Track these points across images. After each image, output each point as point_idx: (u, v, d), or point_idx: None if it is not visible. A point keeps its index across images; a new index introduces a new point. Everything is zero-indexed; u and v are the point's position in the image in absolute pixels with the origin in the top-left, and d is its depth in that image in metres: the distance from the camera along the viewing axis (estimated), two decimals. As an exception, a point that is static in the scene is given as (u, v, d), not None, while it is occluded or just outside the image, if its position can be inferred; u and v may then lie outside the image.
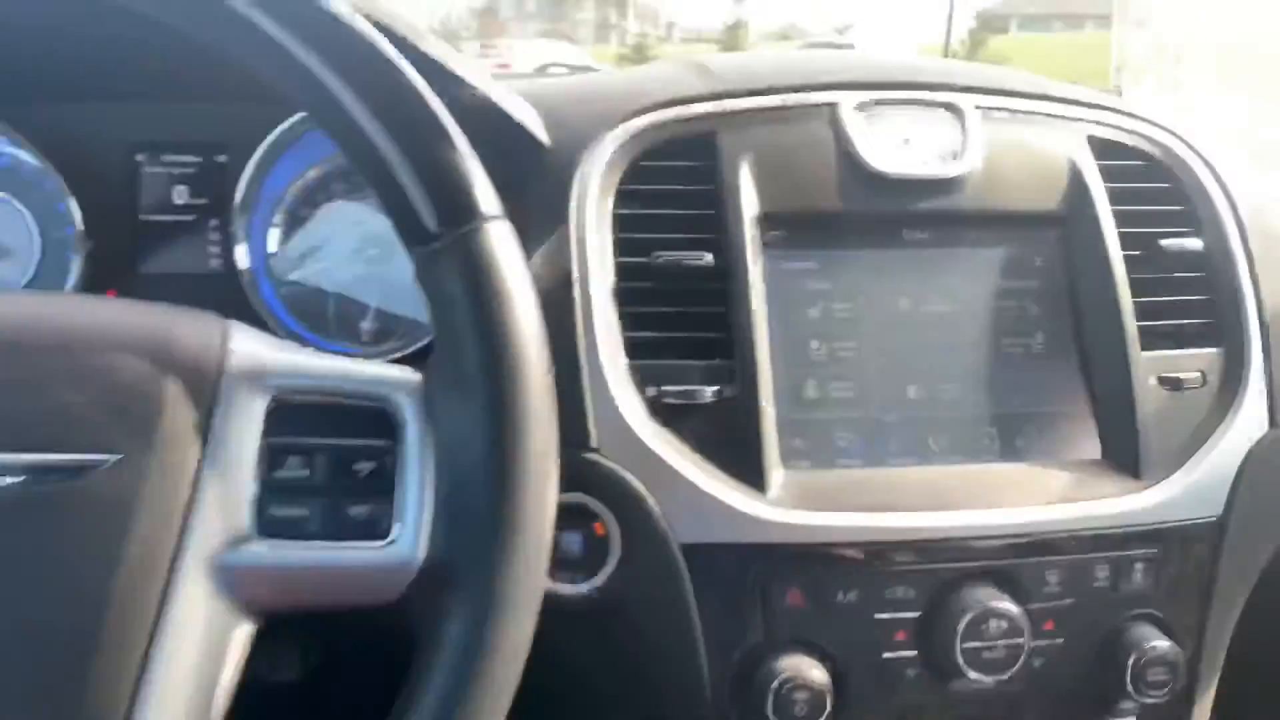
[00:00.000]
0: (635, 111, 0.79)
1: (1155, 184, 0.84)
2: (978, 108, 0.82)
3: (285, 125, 0.86)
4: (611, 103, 0.81)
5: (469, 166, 0.49)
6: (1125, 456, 0.76)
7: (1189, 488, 0.76)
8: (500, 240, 0.48)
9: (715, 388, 0.73)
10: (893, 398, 0.77)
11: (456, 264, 0.47)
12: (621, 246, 0.76)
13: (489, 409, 0.47)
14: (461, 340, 0.47)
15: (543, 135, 0.80)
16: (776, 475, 0.73)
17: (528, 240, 0.79)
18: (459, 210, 0.48)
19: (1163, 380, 0.79)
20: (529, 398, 0.48)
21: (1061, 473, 0.76)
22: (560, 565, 0.71)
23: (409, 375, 0.49)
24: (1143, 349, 0.78)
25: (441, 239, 0.48)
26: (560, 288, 0.74)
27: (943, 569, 0.73)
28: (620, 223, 0.77)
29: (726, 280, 0.75)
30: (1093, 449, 0.78)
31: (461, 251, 0.48)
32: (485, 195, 0.49)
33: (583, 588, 0.71)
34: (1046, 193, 0.81)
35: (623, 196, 0.78)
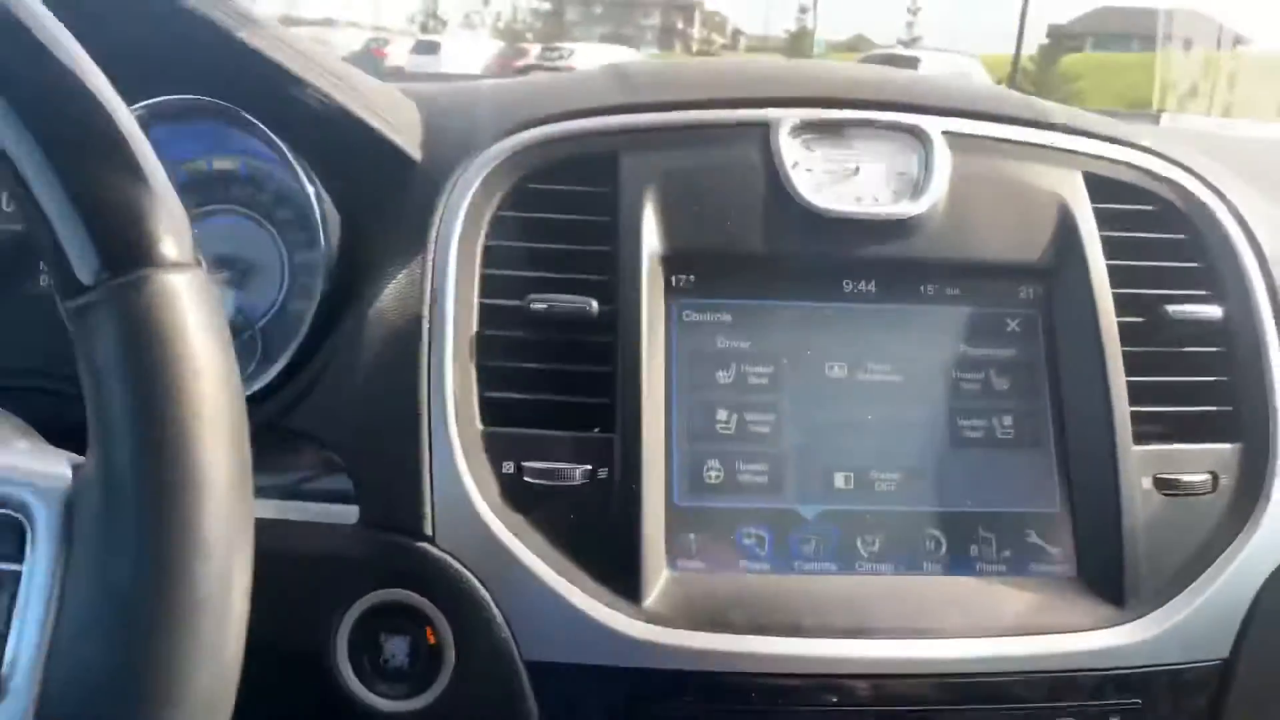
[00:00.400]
0: (522, 124, 0.66)
1: (1165, 234, 0.68)
2: (947, 133, 0.68)
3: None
4: (500, 112, 0.68)
5: (148, 198, 0.36)
6: (1106, 577, 0.61)
7: (1187, 622, 0.60)
8: (176, 294, 0.35)
9: (587, 467, 0.60)
10: (816, 487, 0.62)
11: (111, 323, 0.35)
12: (489, 285, 0.63)
13: (137, 530, 0.34)
14: (112, 426, 0.34)
15: (412, 149, 0.67)
16: (658, 580, 0.59)
17: (380, 277, 0.67)
18: (123, 253, 0.35)
19: (1160, 482, 0.63)
20: (196, 516, 0.35)
21: (1023, 594, 0.61)
22: (382, 675, 0.58)
23: (53, 470, 0.36)
24: (1136, 441, 0.63)
25: (95, 290, 0.35)
26: (406, 334, 0.61)
27: (863, 713, 0.59)
28: (491, 257, 0.64)
29: (615, 333, 0.62)
30: (1066, 565, 0.63)
31: (119, 307, 0.35)
32: (166, 235, 0.36)
33: (407, 705, 0.58)
34: (1027, 241, 0.66)
35: (498, 225, 0.64)
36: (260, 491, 0.39)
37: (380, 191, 0.67)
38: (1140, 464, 0.62)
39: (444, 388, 0.60)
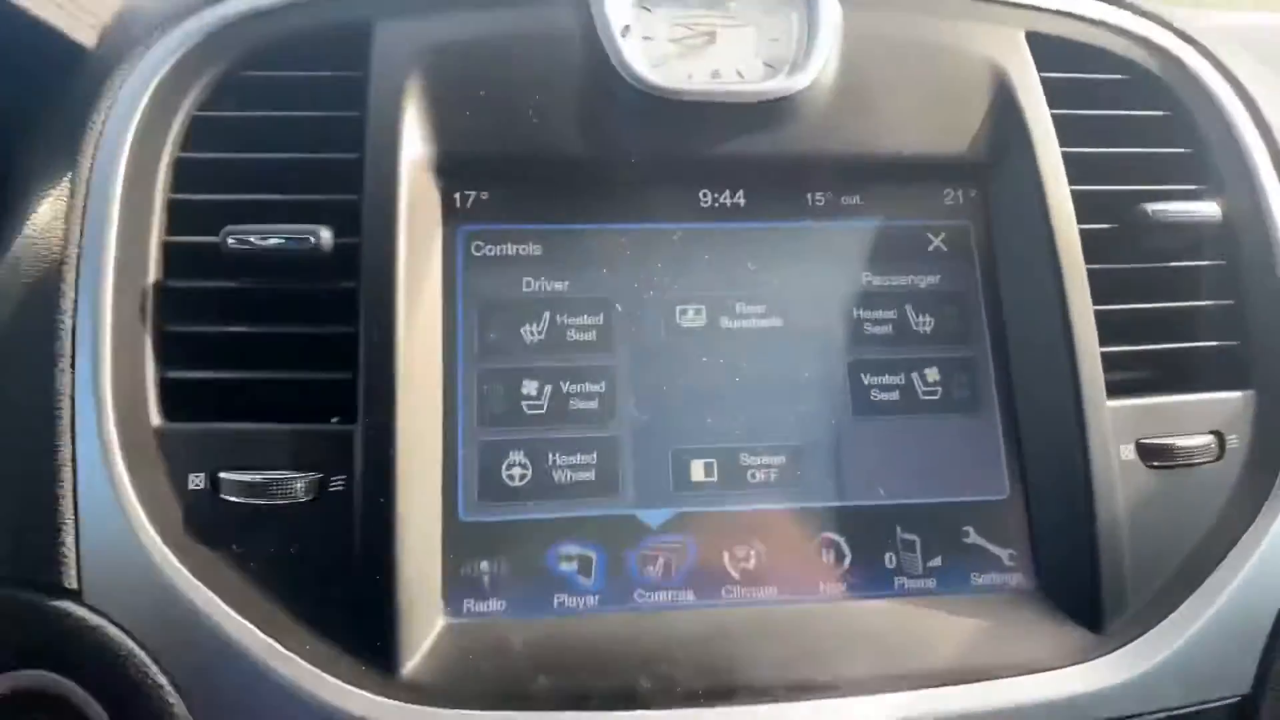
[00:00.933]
0: None
1: (1140, 111, 0.51)
2: (836, -17, 0.49)
3: None
4: None
5: None
6: (1075, 588, 0.44)
7: (1190, 648, 0.44)
8: None
9: (314, 475, 0.40)
10: (664, 482, 0.44)
11: None
12: (178, 217, 0.44)
13: None
14: None
15: (83, 35, 0.47)
16: (427, 635, 0.41)
17: (24, 212, 0.47)
18: None
19: (1145, 450, 0.45)
20: None
21: (962, 619, 0.43)
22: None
23: None
24: (1110, 394, 0.45)
25: None
26: (43, 294, 0.41)
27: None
28: (184, 176, 0.44)
29: (358, 277, 0.42)
30: (1019, 574, 0.45)
31: None
32: None
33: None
34: (951, 125, 0.48)
35: (198, 131, 0.45)
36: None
37: (41, 95, 0.47)
38: (1117, 425, 0.45)
39: (96, 370, 0.40)
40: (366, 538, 0.40)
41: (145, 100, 0.44)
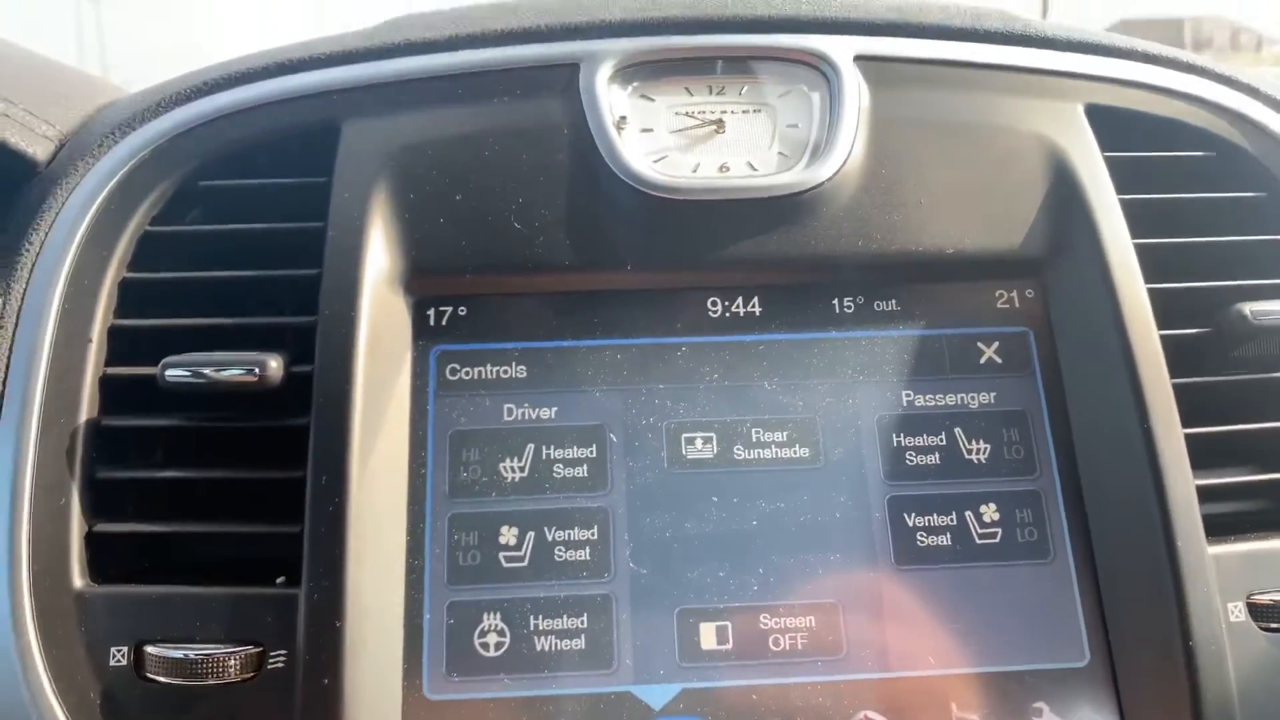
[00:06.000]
0: (189, 92, 0.42)
1: (1227, 194, 0.43)
2: (862, 59, 0.43)
3: None
4: (162, 85, 0.44)
5: None
6: None
7: None
8: None
9: (252, 649, 0.35)
10: (669, 652, 0.37)
11: None
12: (120, 344, 0.39)
13: None
14: None
15: (36, 148, 0.43)
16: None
17: None
18: None
19: (1258, 609, 0.37)
20: None
21: None
22: None
23: None
24: (1210, 537, 0.37)
25: None
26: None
27: None
28: (130, 298, 0.40)
29: (309, 413, 0.37)
30: (1107, 764, 0.36)
31: None
32: None
33: None
34: (1003, 217, 0.41)
35: (148, 248, 0.41)
36: None
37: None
38: (1223, 577, 0.36)
39: (14, 523, 0.35)
40: (310, 726, 0.34)
41: (88, 217, 0.40)
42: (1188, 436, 0.38)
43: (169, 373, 0.37)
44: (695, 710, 0.36)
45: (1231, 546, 0.37)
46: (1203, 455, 0.38)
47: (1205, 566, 0.36)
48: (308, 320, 0.38)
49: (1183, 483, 0.37)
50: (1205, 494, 0.37)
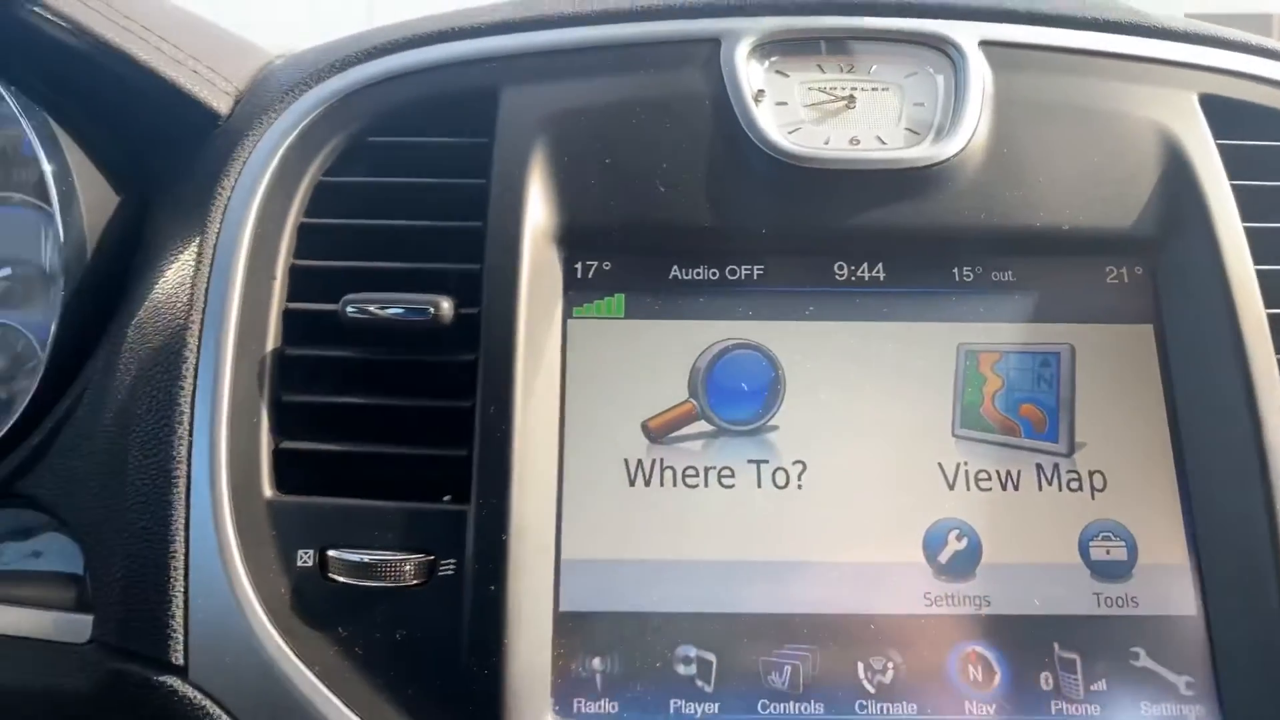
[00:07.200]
0: (358, 56, 0.46)
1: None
2: (986, 44, 0.46)
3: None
4: (330, 47, 0.48)
5: None
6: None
7: None
8: None
9: (426, 556, 0.39)
10: (801, 587, 0.40)
11: None
12: (300, 283, 0.43)
13: None
14: None
15: (219, 103, 0.47)
16: (534, 735, 0.38)
17: (151, 277, 0.47)
18: None
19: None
20: None
21: None
22: None
23: None
24: None
25: None
26: (166, 361, 0.41)
27: None
28: (308, 242, 0.44)
29: (477, 350, 0.41)
30: (1200, 705, 0.39)
31: None
32: None
33: None
34: (1117, 198, 0.44)
35: (323, 197, 0.45)
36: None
37: (178, 160, 0.48)
38: None
39: (214, 438, 0.39)
40: (475, 627, 0.38)
41: (272, 167, 0.44)
42: None
43: (350, 309, 0.41)
44: (821, 626, 0.39)
45: None
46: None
47: None
48: (472, 267, 0.42)
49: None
50: None
